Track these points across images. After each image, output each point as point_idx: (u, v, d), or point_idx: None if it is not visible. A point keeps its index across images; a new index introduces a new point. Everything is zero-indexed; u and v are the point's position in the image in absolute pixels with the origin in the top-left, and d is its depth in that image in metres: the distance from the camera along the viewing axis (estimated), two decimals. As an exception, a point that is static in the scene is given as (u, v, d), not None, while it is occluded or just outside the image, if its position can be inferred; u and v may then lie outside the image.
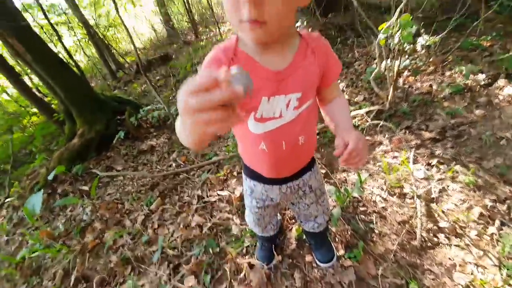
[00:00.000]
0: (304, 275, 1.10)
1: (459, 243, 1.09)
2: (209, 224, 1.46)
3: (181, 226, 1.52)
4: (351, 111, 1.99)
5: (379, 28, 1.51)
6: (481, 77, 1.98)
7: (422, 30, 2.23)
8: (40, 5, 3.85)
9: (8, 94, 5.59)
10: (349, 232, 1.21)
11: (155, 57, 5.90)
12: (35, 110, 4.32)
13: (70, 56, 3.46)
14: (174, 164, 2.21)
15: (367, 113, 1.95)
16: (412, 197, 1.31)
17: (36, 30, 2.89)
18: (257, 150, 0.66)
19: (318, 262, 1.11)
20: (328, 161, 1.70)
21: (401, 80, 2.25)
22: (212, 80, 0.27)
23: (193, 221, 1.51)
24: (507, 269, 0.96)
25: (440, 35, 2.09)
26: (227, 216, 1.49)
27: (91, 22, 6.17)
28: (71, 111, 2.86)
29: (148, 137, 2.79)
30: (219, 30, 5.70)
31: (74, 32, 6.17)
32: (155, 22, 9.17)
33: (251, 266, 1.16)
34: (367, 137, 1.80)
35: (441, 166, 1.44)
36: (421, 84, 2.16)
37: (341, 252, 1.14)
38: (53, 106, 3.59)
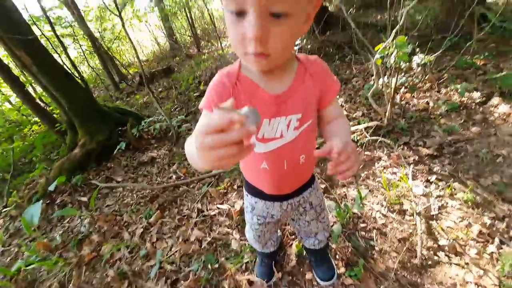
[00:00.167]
0: (304, 293, 1.09)
1: (459, 261, 1.09)
2: (208, 239, 1.45)
3: (180, 240, 1.51)
4: (350, 126, 2.03)
5: (376, 49, 1.57)
6: (476, 95, 2.04)
7: (417, 50, 2.31)
8: (47, 18, 3.97)
9: (10, 103, 5.65)
10: (349, 249, 1.21)
11: (158, 69, 6.03)
12: (36, 119, 4.36)
13: (75, 68, 3.52)
14: (174, 176, 2.21)
15: (365, 128, 1.98)
16: (412, 214, 1.31)
17: (42, 41, 2.94)
18: (259, 169, 0.68)
19: (318, 280, 1.10)
20: (328, 176, 1.72)
21: (398, 97, 2.30)
22: (228, 121, 0.29)
23: (192, 235, 1.50)
24: (508, 289, 0.96)
25: (435, 54, 2.17)
26: (226, 230, 1.48)
27: (96, 35, 6.34)
28: (73, 121, 2.89)
29: (149, 149, 2.81)
30: (220, 44, 5.86)
31: (79, 44, 6.31)
32: (158, 36, 9.43)
33: (250, 283, 1.15)
34: (367, 152, 1.83)
35: (440, 183, 1.46)
36: (418, 101, 2.21)
37: (342, 269, 1.13)
38: (55, 115, 3.63)
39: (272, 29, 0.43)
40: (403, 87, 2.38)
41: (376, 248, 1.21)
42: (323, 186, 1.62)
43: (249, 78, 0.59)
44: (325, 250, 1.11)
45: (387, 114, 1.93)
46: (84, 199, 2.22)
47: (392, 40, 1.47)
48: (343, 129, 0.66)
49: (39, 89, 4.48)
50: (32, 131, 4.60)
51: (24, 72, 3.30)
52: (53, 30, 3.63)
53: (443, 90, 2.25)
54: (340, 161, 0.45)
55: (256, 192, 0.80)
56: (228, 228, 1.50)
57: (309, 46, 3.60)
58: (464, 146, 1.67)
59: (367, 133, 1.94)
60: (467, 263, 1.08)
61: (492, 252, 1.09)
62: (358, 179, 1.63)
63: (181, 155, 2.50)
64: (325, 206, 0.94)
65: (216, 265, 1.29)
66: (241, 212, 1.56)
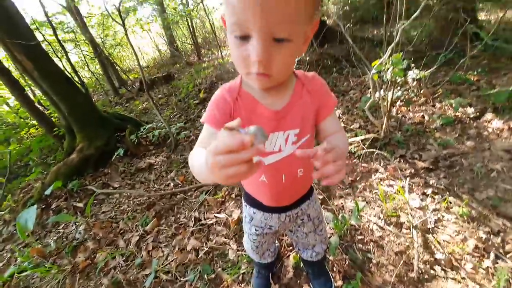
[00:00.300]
0: (301, 306, 1.08)
1: (455, 276, 1.10)
2: (205, 248, 1.44)
3: (176, 249, 1.50)
4: (348, 140, 2.06)
5: (372, 65, 1.62)
6: (470, 110, 2.10)
7: (412, 65, 2.38)
8: (50, 23, 4.02)
9: (8, 105, 5.63)
10: (346, 262, 1.21)
11: (158, 76, 6.08)
12: (34, 122, 4.33)
13: (75, 72, 3.54)
14: (172, 184, 2.21)
15: (362, 140, 2.01)
16: (409, 227, 1.33)
17: (43, 45, 2.96)
18: (258, 182, 0.70)
19: (315, 293, 1.10)
20: (326, 187, 1.73)
21: (394, 110, 2.35)
22: (239, 143, 0.31)
23: (189, 244, 1.49)
24: (503, 305, 0.97)
25: (430, 70, 2.23)
26: (223, 240, 1.48)
27: (98, 40, 6.41)
28: (72, 126, 2.89)
29: (147, 155, 2.80)
30: (221, 53, 5.95)
31: (81, 49, 6.37)
32: (159, 43, 9.55)
33: (247, 294, 1.14)
34: (364, 164, 1.85)
35: (436, 196, 1.48)
36: (413, 115, 2.26)
37: (339, 282, 1.13)
38: (53, 119, 3.62)
39: (274, 52, 0.45)
40: (399, 100, 2.44)
41: (373, 261, 1.21)
42: (320, 197, 1.63)
43: (249, 94, 0.61)
44: (323, 263, 1.11)
45: (383, 126, 1.96)
46: (80, 205, 2.19)
47: (389, 57, 1.52)
48: (339, 142, 0.64)
49: (38, 92, 4.49)
50: (29, 134, 4.56)
51: (24, 76, 3.31)
52: (55, 35, 3.67)
53: (438, 105, 2.30)
54: (326, 160, 0.42)
55: (255, 203, 0.81)
56: (225, 237, 1.50)
57: (307, 59, 3.68)
58: (459, 160, 1.70)
59: (364, 145, 1.97)
60: (463, 278, 1.08)
61: (488, 267, 1.10)
62: (355, 191, 1.65)
63: (179, 162, 2.50)
64: (323, 218, 0.95)
65: (213, 276, 1.28)
66: (239, 221, 1.56)
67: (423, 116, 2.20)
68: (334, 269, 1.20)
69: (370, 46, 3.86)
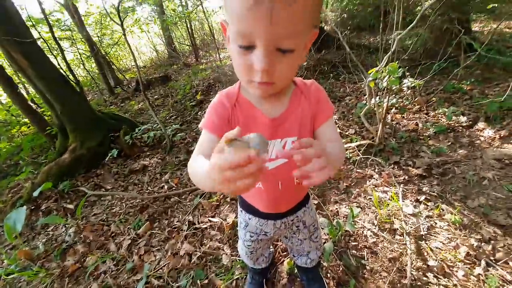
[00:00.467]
0: (294, 313, 1.07)
1: (447, 283, 1.11)
2: (198, 253, 1.42)
3: (169, 253, 1.47)
4: (344, 149, 2.07)
5: (369, 72, 1.65)
6: (462, 118, 2.14)
7: (407, 74, 2.42)
8: (47, 21, 3.97)
9: (0, 102, 5.52)
10: (340, 268, 1.21)
11: (155, 76, 6.05)
12: (26, 120, 4.25)
13: (71, 71, 3.50)
14: (166, 186, 2.18)
15: (357, 146, 2.03)
16: (402, 234, 1.33)
17: (38, 42, 2.92)
18: (254, 188, 0.68)
19: (309, 299, 1.09)
20: (321, 192, 1.73)
21: (389, 117, 2.38)
22: (245, 159, 0.32)
23: (182, 248, 1.47)
24: (494, 313, 0.98)
25: (424, 79, 2.27)
26: (217, 245, 1.46)
27: (95, 39, 6.36)
28: (65, 125, 2.84)
29: (141, 156, 2.77)
30: (219, 56, 5.97)
31: (77, 48, 6.30)
32: (157, 43, 9.53)
33: (240, 300, 1.13)
34: (359, 170, 1.86)
35: (429, 203, 1.49)
36: (408, 122, 2.29)
37: (333, 289, 1.12)
38: (45, 117, 3.55)
39: (278, 62, 0.46)
40: (394, 107, 2.47)
41: (367, 267, 1.21)
42: (315, 202, 1.63)
43: (248, 100, 0.61)
44: (317, 269, 1.11)
45: (378, 133, 1.98)
46: (71, 206, 2.15)
47: (385, 65, 1.55)
48: (333, 150, 0.58)
49: (31, 90, 4.41)
50: (21, 132, 4.47)
51: (19, 74, 3.25)
52: (52, 33, 3.63)
53: (432, 113, 2.34)
54: (306, 155, 0.39)
55: (250, 209, 0.81)
56: (219, 242, 1.48)
57: (305, 64, 3.71)
58: (452, 167, 1.73)
59: (359, 151, 1.99)
60: (455, 285, 1.09)
61: (479, 274, 1.11)
62: (350, 196, 1.65)
63: (174, 164, 2.47)
64: (318, 225, 0.94)
65: (206, 281, 1.26)
66: (233, 226, 1.54)
67: (417, 124, 2.24)
68: (328, 275, 1.19)
69: (366, 53, 3.92)
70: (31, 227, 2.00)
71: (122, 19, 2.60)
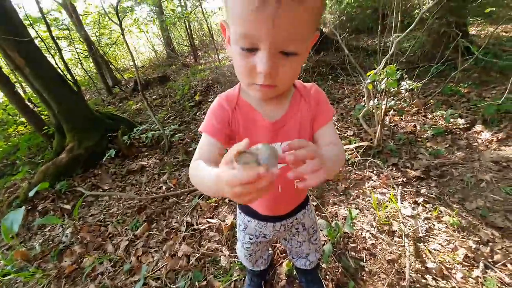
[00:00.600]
0: (293, 315, 1.07)
1: (445, 285, 1.11)
2: (197, 255, 1.41)
3: (167, 254, 1.46)
4: (344, 153, 2.08)
5: (367, 75, 1.65)
6: (460, 121, 2.15)
7: (405, 76, 2.44)
8: (45, 20, 3.95)
9: (-3, 102, 5.46)
10: (339, 270, 1.21)
11: (154, 76, 6.03)
12: (23, 119, 4.21)
13: (68, 70, 3.47)
14: (164, 187, 2.17)
15: (356, 148, 2.04)
16: (401, 236, 1.34)
17: (36, 41, 2.89)
18: None
19: (308, 301, 1.09)
20: (320, 193, 1.73)
21: (387, 119, 2.39)
22: (256, 176, 0.32)
23: (180, 250, 1.46)
24: (492, 316, 0.98)
25: (422, 81, 2.29)
26: (216, 246, 1.45)
27: (93, 38, 6.33)
28: (62, 125, 2.82)
29: (139, 157, 2.75)
30: (218, 56, 5.97)
31: (75, 47, 6.27)
32: (156, 43, 9.51)
33: (238, 302, 1.12)
34: (357, 172, 1.86)
35: (427, 205, 1.50)
36: (406, 124, 2.31)
37: (332, 291, 1.12)
38: (43, 117, 3.52)
39: (281, 65, 0.45)
40: (392, 110, 2.48)
41: (366, 269, 1.21)
42: (314, 203, 1.63)
43: (248, 103, 0.61)
44: (316, 271, 1.11)
45: (377, 135, 1.99)
46: (68, 207, 2.13)
47: (383, 68, 1.55)
48: (330, 153, 0.55)
49: (29, 89, 4.37)
50: (17, 131, 4.43)
51: (16, 73, 3.22)
52: (50, 32, 3.60)
53: (429, 115, 2.36)
54: (297, 156, 0.38)
55: (249, 211, 0.80)
56: (218, 244, 1.47)
57: (303, 66, 3.72)
58: (450, 170, 1.74)
59: (358, 152, 1.99)
60: (453, 287, 1.09)
61: (477, 276, 1.12)
62: (348, 198, 1.66)
63: (172, 165, 2.46)
64: (317, 228, 0.94)
65: (204, 283, 1.26)
66: (232, 227, 1.54)
67: (415, 126, 2.25)
68: (327, 277, 1.19)
69: (364, 56, 3.94)
70: (27, 228, 1.97)
71: (120, 18, 2.59)
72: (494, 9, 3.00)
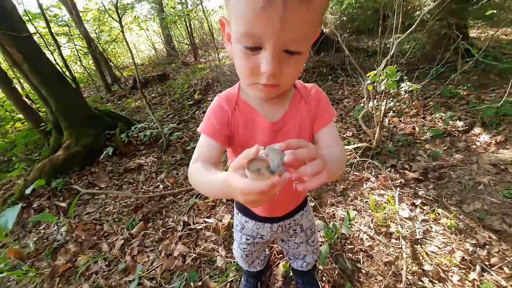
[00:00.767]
0: (289, 317, 1.06)
1: (442, 288, 1.10)
2: (193, 255, 1.40)
3: (163, 254, 1.45)
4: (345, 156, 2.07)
5: (367, 76, 1.65)
6: (459, 123, 2.15)
7: (405, 77, 2.44)
8: (44, 16, 3.92)
9: (-6, 98, 5.42)
10: (336, 271, 1.20)
11: (153, 74, 6.00)
12: (20, 116, 4.19)
13: (67, 67, 3.45)
14: (161, 186, 2.16)
15: (355, 149, 2.03)
16: (398, 238, 1.33)
17: (35, 37, 2.87)
18: None
19: (304, 303, 1.08)
20: (317, 194, 1.72)
21: (386, 120, 2.39)
22: (270, 186, 0.33)
23: (176, 249, 1.45)
24: (489, 319, 0.97)
25: (422, 83, 2.28)
26: (212, 246, 1.44)
27: (93, 35, 6.29)
28: (60, 122, 2.80)
29: (136, 155, 2.74)
30: (218, 55, 5.95)
31: (74, 44, 6.23)
32: (156, 41, 9.47)
33: (234, 303, 1.11)
34: (356, 173, 1.86)
35: (425, 207, 1.49)
36: (405, 126, 2.30)
37: (328, 292, 1.11)
38: (40, 113, 3.50)
39: (285, 64, 0.45)
40: (391, 111, 2.48)
41: (363, 271, 1.20)
42: (312, 204, 1.62)
43: (247, 103, 0.60)
44: (313, 272, 1.10)
45: (376, 136, 1.98)
46: (63, 204, 2.11)
47: (383, 69, 1.55)
48: (331, 156, 0.53)
49: (26, 85, 4.34)
50: (15, 128, 4.40)
51: (14, 68, 3.20)
52: (49, 28, 3.57)
53: (428, 117, 2.35)
54: (297, 157, 0.36)
55: (247, 212, 0.79)
56: (214, 244, 1.46)
57: (303, 65, 3.71)
58: (448, 172, 1.73)
59: (357, 153, 1.99)
60: (450, 290, 1.09)
61: (474, 279, 1.11)
62: (346, 199, 1.65)
63: (170, 163, 2.45)
64: (315, 229, 0.93)
65: (199, 283, 1.24)
66: (229, 227, 1.53)
67: (413, 128, 2.24)
68: (324, 278, 1.18)
69: (364, 56, 3.94)
70: (22, 225, 1.96)
71: (120, 16, 2.57)
72: (495, 11, 2.99)
